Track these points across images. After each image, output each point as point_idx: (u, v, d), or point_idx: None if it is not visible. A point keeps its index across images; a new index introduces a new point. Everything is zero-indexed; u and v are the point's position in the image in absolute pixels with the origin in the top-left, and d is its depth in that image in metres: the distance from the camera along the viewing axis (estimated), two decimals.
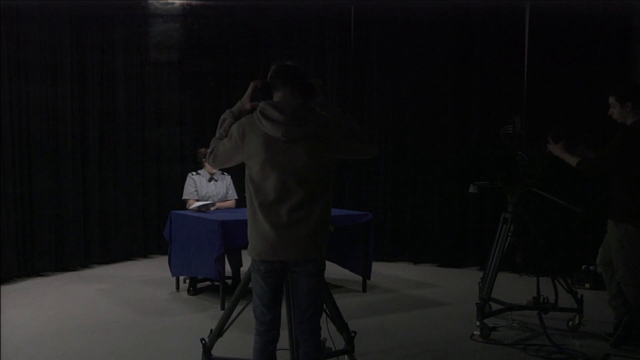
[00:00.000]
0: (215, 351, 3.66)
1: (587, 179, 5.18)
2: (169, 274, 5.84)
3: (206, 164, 5.87)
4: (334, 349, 3.62)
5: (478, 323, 4.42)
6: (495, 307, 4.77)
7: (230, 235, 5.03)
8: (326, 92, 3.08)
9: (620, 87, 4.22)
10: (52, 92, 6.80)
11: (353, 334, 3.74)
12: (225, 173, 6.12)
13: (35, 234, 6.62)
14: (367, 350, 4.11)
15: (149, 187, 7.91)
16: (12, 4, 6.34)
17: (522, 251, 4.75)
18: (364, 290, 5.92)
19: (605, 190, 4.34)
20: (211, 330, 3.65)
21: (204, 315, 5.12)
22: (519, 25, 6.72)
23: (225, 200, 6.07)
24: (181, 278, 6.01)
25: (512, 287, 5.84)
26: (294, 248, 2.80)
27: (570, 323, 4.63)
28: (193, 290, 5.82)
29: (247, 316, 3.52)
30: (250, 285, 3.02)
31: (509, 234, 4.52)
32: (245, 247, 3.00)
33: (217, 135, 2.97)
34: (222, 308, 5.08)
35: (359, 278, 5.97)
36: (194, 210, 5.78)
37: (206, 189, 5.98)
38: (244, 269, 5.59)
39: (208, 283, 5.98)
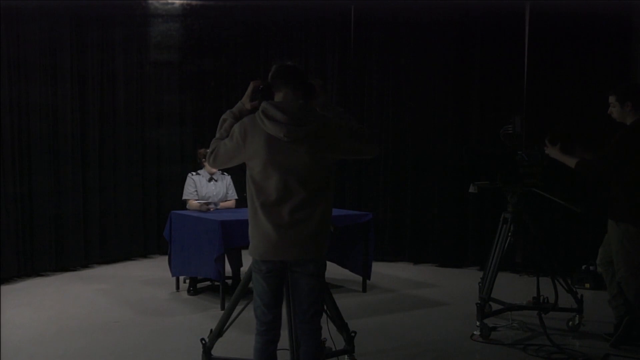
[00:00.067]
0: (215, 351, 3.66)
1: (587, 178, 5.18)
2: (169, 274, 5.84)
3: (206, 164, 5.87)
4: (334, 349, 3.62)
5: (478, 323, 4.42)
6: (495, 307, 4.77)
7: (230, 235, 5.03)
8: (327, 92, 3.09)
9: (621, 87, 4.23)
10: (52, 92, 6.79)
11: (353, 334, 3.74)
12: (225, 173, 6.11)
13: (35, 234, 6.62)
14: (367, 350, 4.11)
15: (149, 187, 7.91)
16: (12, 4, 6.33)
17: (522, 251, 4.75)
18: (364, 290, 5.92)
19: (605, 190, 4.34)
20: (211, 330, 3.65)
21: (204, 315, 5.12)
22: (519, 25, 6.72)
23: (225, 200, 6.07)
24: (181, 278, 6.01)
25: (512, 287, 5.84)
26: (295, 248, 2.80)
27: (570, 323, 4.63)
28: (193, 290, 5.82)
29: (247, 316, 3.52)
30: (251, 285, 3.03)
31: (509, 234, 4.52)
32: (246, 247, 3.00)
33: (217, 135, 2.98)
34: (222, 308, 5.08)
35: (359, 278, 5.97)
36: (194, 207, 5.80)
37: (206, 189, 5.98)
38: (244, 269, 5.59)
39: (208, 283, 5.98)
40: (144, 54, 7.79)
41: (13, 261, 6.35)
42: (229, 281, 5.70)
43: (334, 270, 5.95)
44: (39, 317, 5.07)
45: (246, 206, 2.92)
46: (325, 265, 2.94)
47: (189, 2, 7.77)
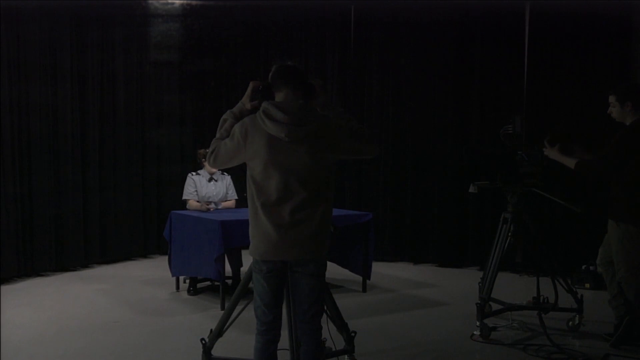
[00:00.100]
0: (215, 351, 3.66)
1: (587, 179, 5.18)
2: (169, 274, 5.84)
3: (206, 164, 5.87)
4: (334, 349, 3.61)
5: (478, 323, 4.42)
6: (495, 307, 4.77)
7: (230, 235, 5.03)
8: (327, 92, 3.09)
9: (621, 87, 4.23)
10: (52, 92, 6.79)
11: (353, 334, 3.74)
12: (225, 173, 6.11)
13: (35, 234, 6.61)
14: (367, 350, 4.11)
15: (149, 187, 7.90)
16: (12, 4, 6.33)
17: (522, 251, 4.75)
18: (364, 290, 5.92)
19: (605, 190, 4.34)
20: (211, 330, 3.65)
21: (204, 315, 5.12)
22: (519, 25, 6.72)
23: (226, 201, 6.07)
24: (181, 278, 6.01)
25: (512, 287, 5.84)
26: (296, 248, 2.81)
27: (570, 323, 4.63)
28: (193, 290, 5.82)
29: (247, 316, 3.52)
30: (251, 285, 3.03)
31: (509, 234, 4.52)
32: (246, 247, 3.00)
33: (217, 135, 2.98)
34: (222, 308, 5.08)
35: (359, 278, 5.97)
36: (194, 207, 5.80)
37: (206, 189, 5.98)
38: (244, 269, 5.59)
39: (208, 283, 5.98)
40: (144, 54, 7.78)
41: (13, 261, 6.34)
42: (229, 281, 5.69)
43: (334, 270, 5.95)
44: (39, 317, 5.07)
45: (246, 206, 2.92)
46: (325, 265, 2.94)
47: (189, 2, 7.77)
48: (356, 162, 7.45)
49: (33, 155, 6.61)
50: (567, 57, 6.68)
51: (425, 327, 4.81)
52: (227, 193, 6.10)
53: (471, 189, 4.56)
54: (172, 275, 5.87)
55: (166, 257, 5.90)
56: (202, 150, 5.97)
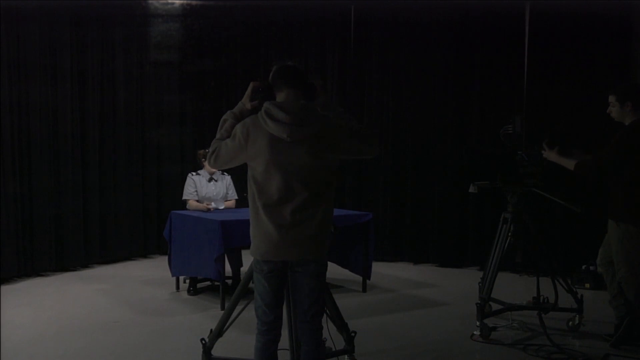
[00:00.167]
0: (215, 351, 3.66)
1: (587, 179, 5.18)
2: (169, 274, 5.84)
3: (206, 164, 5.87)
4: (334, 349, 3.62)
5: (478, 323, 4.42)
6: (495, 307, 4.77)
7: (230, 235, 5.03)
8: (327, 92, 3.09)
9: (621, 87, 4.23)
10: (52, 92, 6.79)
11: (353, 334, 3.74)
12: (225, 173, 6.11)
13: (35, 234, 6.61)
14: (367, 350, 4.11)
15: (149, 187, 7.90)
16: (12, 4, 6.33)
17: (522, 251, 4.75)
18: (364, 290, 5.92)
19: (605, 190, 4.34)
20: (211, 330, 3.65)
21: (204, 315, 5.12)
22: (519, 25, 6.72)
23: (226, 201, 6.07)
24: (181, 278, 6.01)
25: (512, 287, 5.84)
26: (297, 248, 2.81)
27: (570, 323, 4.63)
28: (193, 290, 5.82)
29: (247, 316, 3.53)
30: (251, 285, 3.03)
31: (509, 234, 4.52)
32: (246, 247, 3.00)
33: (218, 136, 2.97)
34: (222, 308, 5.08)
35: (359, 278, 5.97)
36: (194, 208, 5.80)
37: (206, 189, 5.98)
38: (244, 269, 5.59)
39: (208, 283, 5.98)
40: (144, 54, 7.78)
41: (13, 261, 6.34)
42: (229, 281, 5.69)
43: (334, 270, 5.94)
44: (39, 317, 5.07)
45: (246, 206, 2.92)
46: (326, 265, 2.94)
47: (189, 2, 7.77)
48: (356, 162, 7.45)
49: (33, 155, 6.61)
50: (567, 57, 6.68)
51: (425, 327, 4.81)
52: (227, 193, 6.10)
53: (471, 189, 4.56)
54: (172, 275, 5.87)
55: (166, 257, 5.90)
56: (202, 151, 5.97)
